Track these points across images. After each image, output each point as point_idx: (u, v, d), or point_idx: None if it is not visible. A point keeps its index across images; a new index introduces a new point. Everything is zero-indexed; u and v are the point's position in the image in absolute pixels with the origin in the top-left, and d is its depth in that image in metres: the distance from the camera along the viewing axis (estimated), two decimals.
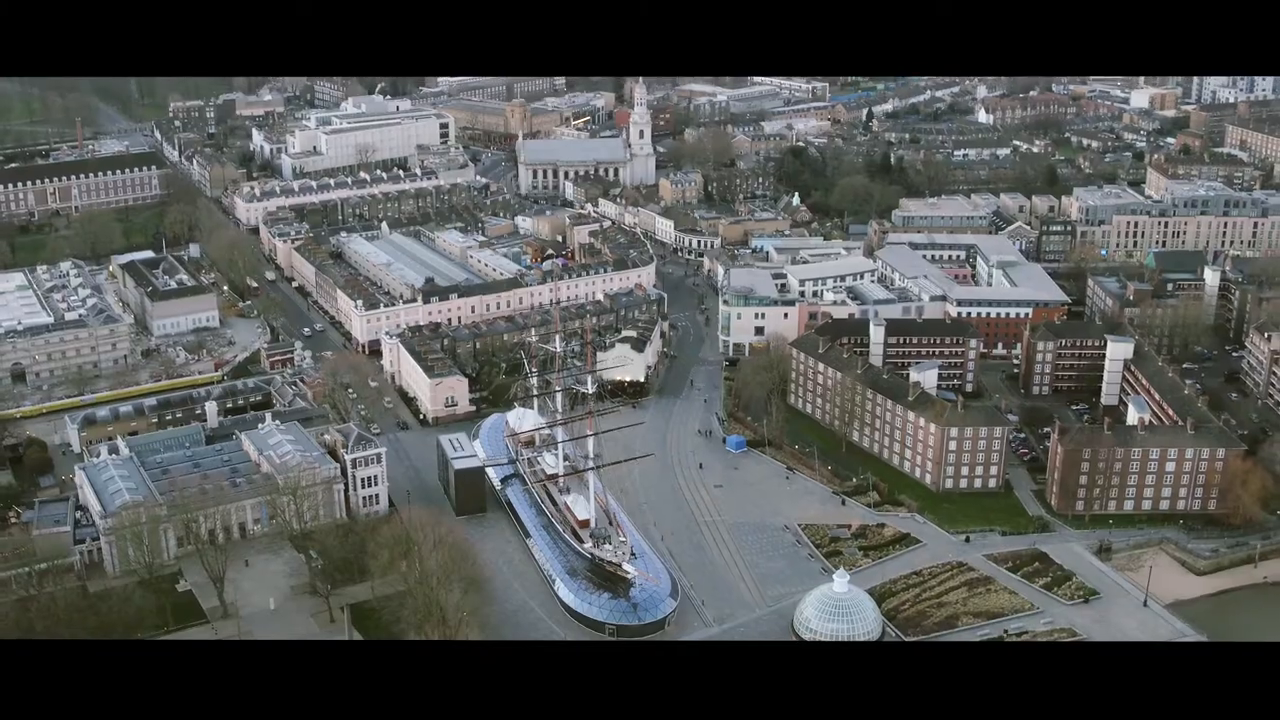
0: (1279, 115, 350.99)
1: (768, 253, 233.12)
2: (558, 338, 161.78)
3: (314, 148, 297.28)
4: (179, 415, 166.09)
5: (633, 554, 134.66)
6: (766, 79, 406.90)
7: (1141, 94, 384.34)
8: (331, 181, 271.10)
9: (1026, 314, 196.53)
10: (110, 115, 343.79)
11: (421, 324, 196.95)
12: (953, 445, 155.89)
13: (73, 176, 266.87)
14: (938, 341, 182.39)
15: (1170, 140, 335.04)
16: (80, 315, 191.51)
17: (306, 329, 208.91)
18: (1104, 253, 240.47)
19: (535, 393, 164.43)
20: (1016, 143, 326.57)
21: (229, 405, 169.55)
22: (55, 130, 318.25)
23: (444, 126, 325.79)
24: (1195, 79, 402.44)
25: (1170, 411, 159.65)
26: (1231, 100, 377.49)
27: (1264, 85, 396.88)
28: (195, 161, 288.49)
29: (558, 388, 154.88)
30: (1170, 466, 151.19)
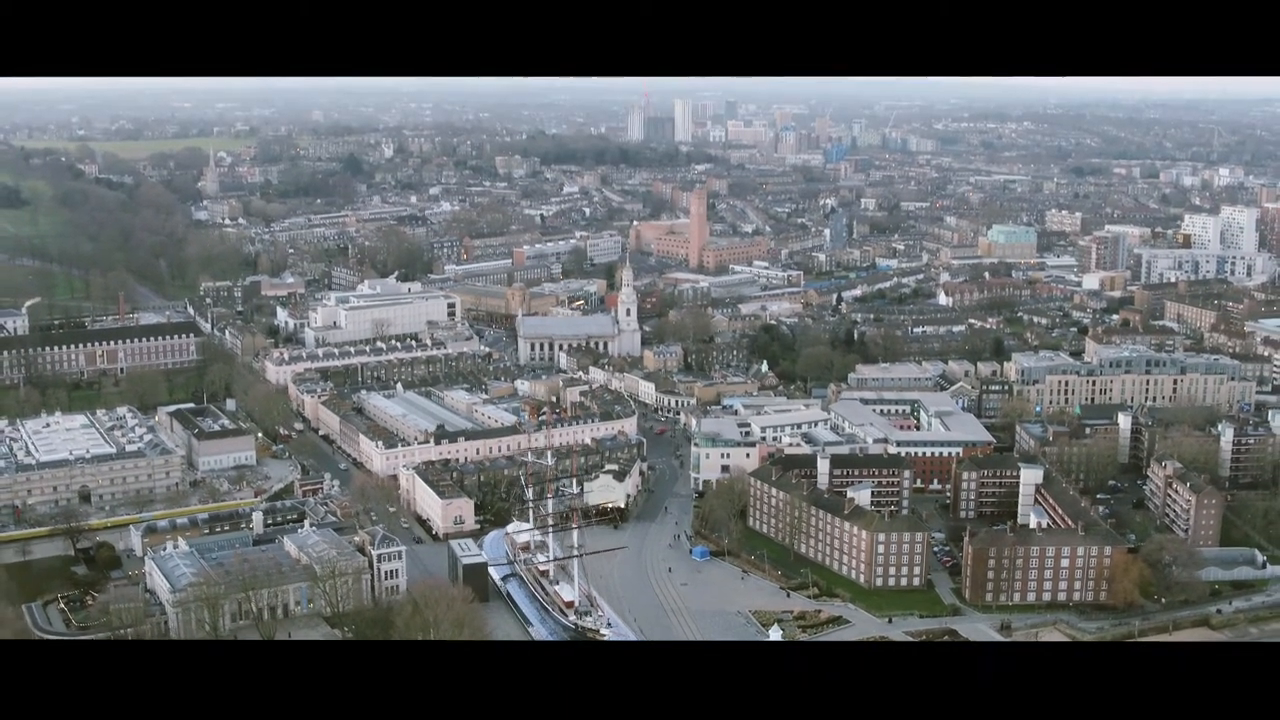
0: (1214, 292, 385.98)
1: (736, 409, 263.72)
2: (549, 454, 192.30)
3: (334, 322, 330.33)
4: (227, 528, 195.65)
5: (608, 624, 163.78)
6: (746, 267, 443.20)
7: (1093, 277, 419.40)
8: (351, 349, 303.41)
9: (957, 452, 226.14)
10: (145, 294, 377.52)
11: (433, 460, 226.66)
12: (881, 548, 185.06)
13: (118, 341, 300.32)
14: (875, 471, 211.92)
15: (1114, 316, 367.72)
16: (139, 447, 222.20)
17: (331, 470, 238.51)
18: (1038, 409, 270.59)
19: (530, 502, 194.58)
20: (972, 321, 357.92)
21: (269, 522, 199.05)
22: (97, 305, 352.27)
23: (451, 306, 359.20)
24: (1144, 262, 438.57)
25: (1068, 519, 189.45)
26: (1174, 280, 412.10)
27: (1207, 267, 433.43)
28: (227, 332, 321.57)
29: (550, 496, 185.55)
30: (1065, 562, 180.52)
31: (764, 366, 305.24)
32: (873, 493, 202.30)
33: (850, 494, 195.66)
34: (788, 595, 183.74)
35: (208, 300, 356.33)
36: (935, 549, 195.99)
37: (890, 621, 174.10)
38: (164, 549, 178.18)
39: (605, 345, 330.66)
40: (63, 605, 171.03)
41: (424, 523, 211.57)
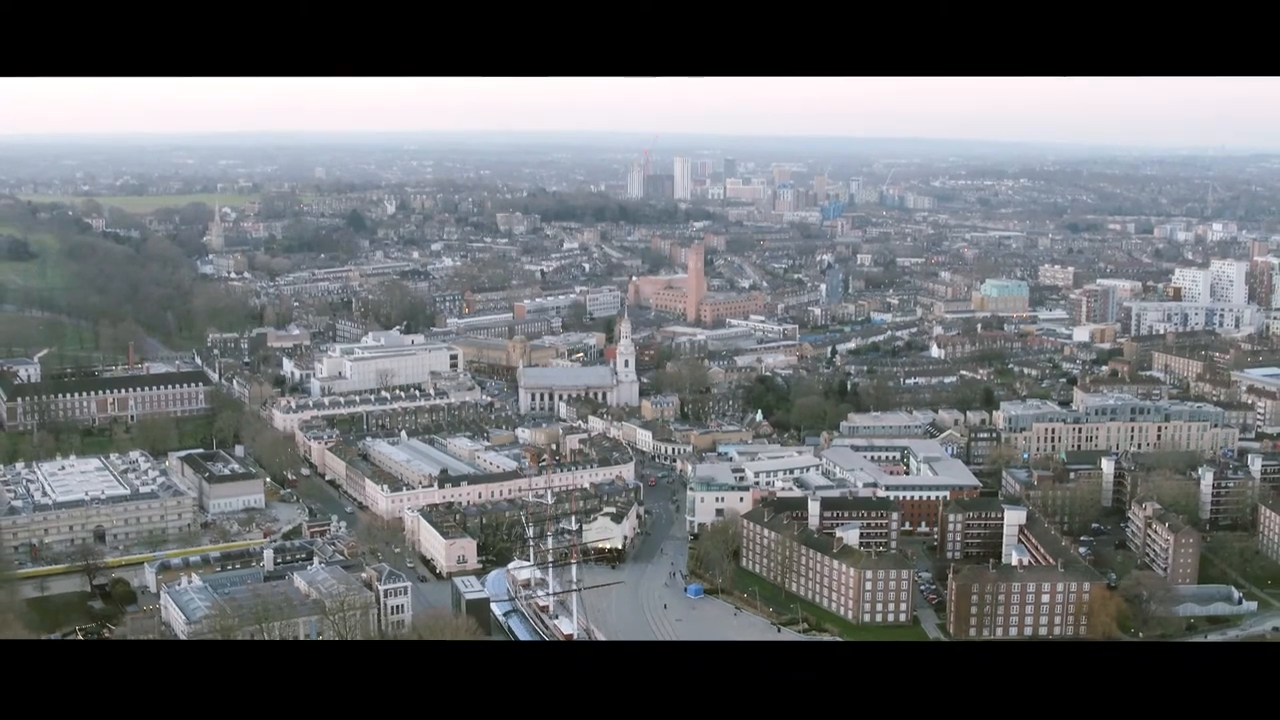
0: (1201, 343, 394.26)
1: (731, 456, 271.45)
2: (549, 492, 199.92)
3: (339, 373, 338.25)
4: (238, 566, 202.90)
5: None
6: (742, 320, 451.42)
7: (1083, 329, 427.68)
8: (356, 398, 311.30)
9: (944, 496, 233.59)
10: (154, 345, 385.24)
11: (437, 503, 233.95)
12: (868, 585, 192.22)
13: (129, 389, 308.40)
14: (864, 513, 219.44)
15: (1103, 367, 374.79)
16: (152, 489, 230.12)
17: (337, 514, 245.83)
18: (1025, 455, 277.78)
19: (530, 539, 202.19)
20: (963, 372, 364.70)
21: (279, 560, 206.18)
22: (107, 355, 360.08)
23: (453, 358, 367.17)
24: (1134, 315, 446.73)
25: (1049, 558, 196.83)
26: (1163, 332, 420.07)
27: (1196, 319, 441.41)
28: (235, 382, 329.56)
29: (549, 534, 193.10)
30: (1045, 597, 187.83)
31: (758, 416, 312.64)
32: (861, 534, 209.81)
33: (839, 534, 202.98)
34: (778, 630, 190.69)
35: (215, 351, 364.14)
36: (921, 586, 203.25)
37: None
38: (178, 584, 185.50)
39: (604, 396, 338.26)
40: (81, 637, 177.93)
41: (428, 562, 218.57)
